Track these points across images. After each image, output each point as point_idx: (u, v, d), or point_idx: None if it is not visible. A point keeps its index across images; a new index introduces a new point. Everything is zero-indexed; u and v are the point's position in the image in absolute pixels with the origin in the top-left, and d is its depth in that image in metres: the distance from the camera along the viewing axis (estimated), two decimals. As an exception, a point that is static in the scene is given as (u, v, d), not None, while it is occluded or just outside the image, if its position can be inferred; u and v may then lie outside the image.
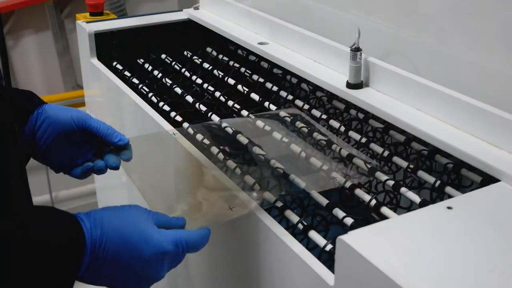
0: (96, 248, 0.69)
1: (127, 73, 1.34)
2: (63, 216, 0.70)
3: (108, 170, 0.92)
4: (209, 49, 1.46)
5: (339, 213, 0.83)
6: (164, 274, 0.75)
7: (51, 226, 0.67)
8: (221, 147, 0.99)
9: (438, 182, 0.86)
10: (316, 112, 1.10)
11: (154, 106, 1.18)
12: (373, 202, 0.83)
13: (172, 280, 1.16)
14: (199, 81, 1.27)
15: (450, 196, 0.84)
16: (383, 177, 0.90)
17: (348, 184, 0.88)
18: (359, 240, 0.64)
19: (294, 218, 0.82)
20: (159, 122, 1.09)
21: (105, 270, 0.70)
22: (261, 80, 1.24)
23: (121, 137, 0.90)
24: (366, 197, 0.85)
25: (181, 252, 0.74)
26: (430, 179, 0.88)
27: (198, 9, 1.52)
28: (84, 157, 0.92)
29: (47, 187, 2.33)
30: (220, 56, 1.40)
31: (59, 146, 0.90)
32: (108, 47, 1.42)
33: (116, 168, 0.90)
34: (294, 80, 1.22)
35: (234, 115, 1.13)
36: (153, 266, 0.72)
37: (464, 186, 0.89)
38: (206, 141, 1.02)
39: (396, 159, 0.94)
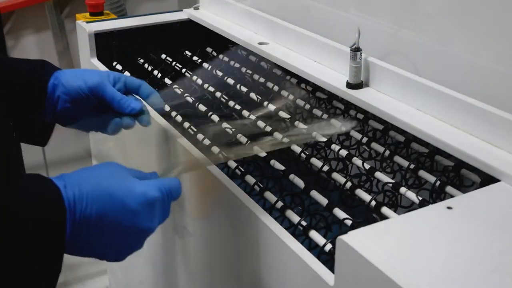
0: (77, 210, 0.64)
1: (127, 73, 1.34)
2: (33, 180, 0.65)
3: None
4: (209, 49, 1.46)
5: (339, 213, 0.83)
6: (156, 226, 0.71)
7: (22, 193, 0.62)
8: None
9: (438, 182, 0.87)
10: (316, 112, 1.10)
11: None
12: (373, 202, 0.84)
13: (172, 280, 1.16)
14: (199, 81, 1.27)
15: (450, 196, 0.84)
16: (383, 177, 0.90)
17: (348, 184, 0.88)
18: (359, 240, 0.64)
19: (294, 218, 0.82)
20: (158, 122, 1.09)
21: (92, 234, 0.65)
22: (262, 80, 1.24)
23: (133, 106, 0.88)
24: (367, 197, 0.85)
25: (166, 198, 0.71)
26: (430, 179, 0.88)
27: (198, 9, 1.52)
28: (107, 116, 0.90)
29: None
30: (220, 56, 1.40)
31: (78, 112, 0.89)
32: (108, 47, 1.42)
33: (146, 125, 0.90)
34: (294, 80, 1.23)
35: (234, 114, 1.13)
36: (142, 217, 0.68)
37: (464, 186, 0.89)
38: (207, 141, 1.02)
39: (397, 158, 0.94)
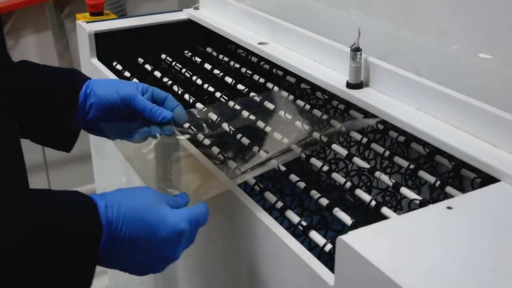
0: (113, 229, 0.69)
1: (127, 73, 1.34)
2: (76, 197, 0.70)
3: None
4: (209, 49, 1.46)
5: (339, 213, 0.83)
6: (180, 254, 0.76)
7: (66, 209, 0.67)
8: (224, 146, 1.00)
9: (438, 182, 0.86)
10: (316, 112, 1.10)
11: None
12: (374, 202, 0.84)
13: (172, 280, 1.16)
14: (199, 81, 1.27)
15: (450, 196, 0.84)
16: (383, 177, 0.90)
17: (348, 184, 0.88)
18: (359, 240, 0.64)
19: (294, 218, 0.82)
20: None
21: (122, 253, 0.70)
22: (262, 80, 1.24)
23: (164, 114, 0.93)
24: (367, 197, 0.85)
25: (194, 228, 0.76)
26: (430, 179, 0.88)
27: (198, 9, 1.52)
28: (136, 124, 0.95)
29: (47, 187, 2.34)
30: (220, 56, 1.40)
31: (109, 120, 0.95)
32: (108, 47, 1.42)
33: (154, 137, 0.95)
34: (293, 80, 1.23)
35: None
36: (170, 246, 0.73)
37: (464, 187, 0.89)
38: (207, 141, 1.02)
39: (397, 158, 0.94)
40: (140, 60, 1.41)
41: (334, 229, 0.84)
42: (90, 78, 0.96)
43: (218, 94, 1.20)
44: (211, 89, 1.23)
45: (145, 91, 0.96)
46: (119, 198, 0.71)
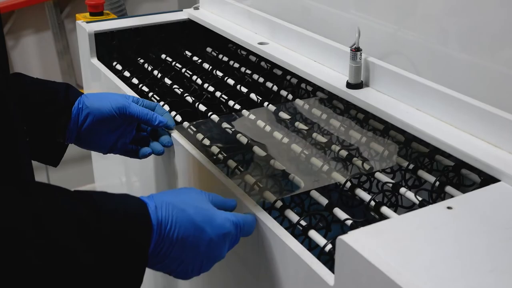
0: (163, 229, 0.70)
1: (127, 73, 1.34)
2: (127, 198, 0.71)
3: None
4: (209, 49, 1.46)
5: (339, 213, 0.83)
6: (225, 254, 0.77)
7: (118, 210, 0.68)
8: (221, 146, 0.99)
9: (438, 182, 0.86)
10: (316, 112, 1.10)
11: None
12: (373, 202, 0.83)
13: (172, 281, 1.16)
14: (199, 81, 1.27)
15: (450, 196, 0.84)
16: (383, 177, 0.90)
17: (348, 184, 0.88)
18: (359, 240, 0.64)
19: (294, 218, 0.82)
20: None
21: (170, 253, 0.71)
22: (261, 80, 1.24)
23: (161, 119, 0.97)
24: (366, 197, 0.85)
25: (239, 233, 0.77)
26: (430, 179, 0.88)
27: (198, 9, 1.52)
28: (129, 136, 1.00)
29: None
30: (220, 56, 1.40)
31: (102, 133, 0.97)
32: (108, 47, 1.42)
33: (160, 153, 0.99)
34: (294, 80, 1.23)
35: (234, 114, 1.13)
36: (216, 246, 0.74)
37: (464, 186, 0.89)
38: (206, 141, 1.02)
39: (395, 158, 0.94)
40: (140, 60, 1.41)
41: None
42: (83, 93, 0.98)
43: (218, 94, 1.20)
44: (211, 89, 1.23)
45: (136, 101, 0.99)
46: (167, 199, 0.73)
